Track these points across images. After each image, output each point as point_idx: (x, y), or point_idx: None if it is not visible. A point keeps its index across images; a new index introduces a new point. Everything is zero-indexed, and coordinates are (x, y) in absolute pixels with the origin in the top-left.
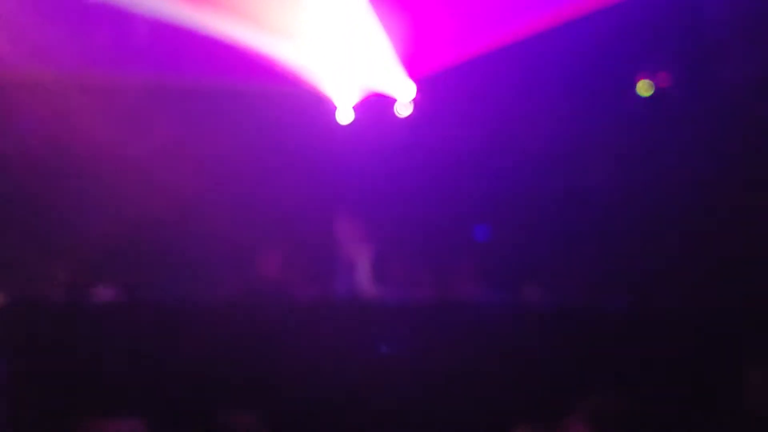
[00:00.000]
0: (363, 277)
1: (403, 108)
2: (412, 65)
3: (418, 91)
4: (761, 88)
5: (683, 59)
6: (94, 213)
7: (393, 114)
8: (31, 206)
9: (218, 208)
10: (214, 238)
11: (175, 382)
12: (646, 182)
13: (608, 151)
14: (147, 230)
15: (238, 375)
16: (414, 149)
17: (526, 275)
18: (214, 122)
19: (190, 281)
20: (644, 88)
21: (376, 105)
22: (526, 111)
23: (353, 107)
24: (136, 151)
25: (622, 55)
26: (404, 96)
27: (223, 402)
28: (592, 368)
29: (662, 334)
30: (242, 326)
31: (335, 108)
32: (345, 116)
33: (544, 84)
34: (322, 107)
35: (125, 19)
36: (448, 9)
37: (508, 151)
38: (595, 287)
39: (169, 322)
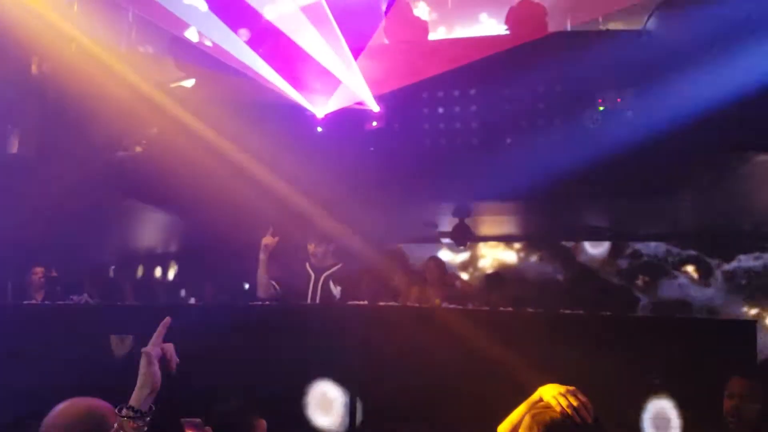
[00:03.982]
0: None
1: (371, 120)
2: (378, 84)
3: (384, 106)
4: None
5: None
6: None
7: (362, 126)
8: None
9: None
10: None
11: None
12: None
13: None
14: None
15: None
16: (380, 156)
17: None
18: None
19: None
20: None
21: (347, 117)
22: (487, 126)
23: (328, 118)
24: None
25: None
26: (371, 110)
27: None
28: None
29: None
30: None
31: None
32: (321, 125)
33: (506, 101)
34: (301, 118)
35: None
36: (412, 35)
37: (467, 162)
38: None
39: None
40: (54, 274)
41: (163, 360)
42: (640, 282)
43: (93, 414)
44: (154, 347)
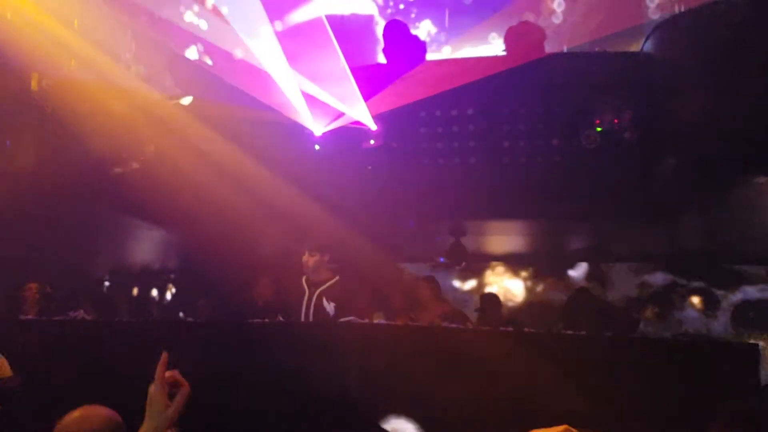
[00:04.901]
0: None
1: (369, 139)
2: (376, 104)
3: (382, 125)
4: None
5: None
6: None
7: (359, 144)
8: None
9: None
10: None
11: None
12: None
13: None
14: None
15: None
16: (378, 175)
17: None
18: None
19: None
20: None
21: (345, 136)
22: (485, 146)
23: (326, 136)
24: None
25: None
26: (369, 129)
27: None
28: None
29: None
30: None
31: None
32: (319, 144)
33: (503, 121)
34: (299, 136)
35: None
36: (408, 55)
37: (465, 181)
38: None
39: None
40: (49, 290)
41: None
42: (649, 313)
43: (114, 421)
44: (162, 387)
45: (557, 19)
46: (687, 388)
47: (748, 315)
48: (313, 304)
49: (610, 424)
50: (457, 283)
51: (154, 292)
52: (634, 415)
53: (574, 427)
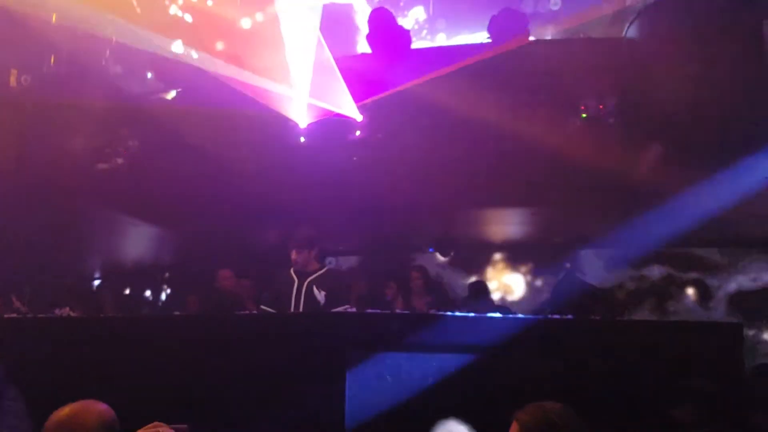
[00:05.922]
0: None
1: (354, 130)
2: (360, 95)
3: (367, 116)
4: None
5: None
6: None
7: (345, 135)
8: None
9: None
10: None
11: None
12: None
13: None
14: None
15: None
16: (363, 166)
17: None
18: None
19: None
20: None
21: (329, 126)
22: (470, 134)
23: (311, 128)
24: None
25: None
26: (354, 120)
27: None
28: None
29: None
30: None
31: (296, 128)
32: (304, 136)
33: (489, 109)
34: (286, 128)
35: None
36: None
37: (451, 170)
38: None
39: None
40: (16, 304)
41: None
42: (647, 306)
43: (108, 416)
44: None
45: (555, 6)
46: (670, 369)
47: (744, 304)
48: (303, 293)
49: (595, 406)
50: (450, 272)
51: (145, 291)
52: (617, 396)
53: (558, 405)
